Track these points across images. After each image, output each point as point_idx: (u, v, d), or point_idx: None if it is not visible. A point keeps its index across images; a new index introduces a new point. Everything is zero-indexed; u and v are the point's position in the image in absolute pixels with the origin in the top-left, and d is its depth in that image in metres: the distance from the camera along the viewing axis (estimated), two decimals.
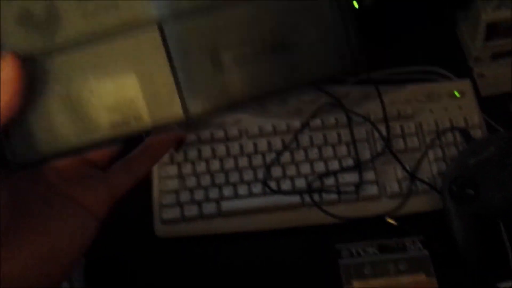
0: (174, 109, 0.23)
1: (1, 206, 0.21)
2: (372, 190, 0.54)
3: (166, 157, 0.58)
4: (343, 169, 0.54)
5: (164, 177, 0.57)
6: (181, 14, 0.23)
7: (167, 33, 0.23)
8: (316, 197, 0.53)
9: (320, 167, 0.55)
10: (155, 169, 0.57)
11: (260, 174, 0.55)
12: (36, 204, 0.23)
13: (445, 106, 0.57)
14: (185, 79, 0.23)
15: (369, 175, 0.54)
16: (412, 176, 0.53)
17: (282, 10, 0.23)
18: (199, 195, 0.55)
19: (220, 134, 0.58)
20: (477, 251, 0.48)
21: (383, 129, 0.56)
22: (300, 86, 0.24)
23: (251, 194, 0.54)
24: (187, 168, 0.57)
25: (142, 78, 0.23)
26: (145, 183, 0.57)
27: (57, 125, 0.23)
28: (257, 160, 0.56)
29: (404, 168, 0.53)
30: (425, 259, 0.48)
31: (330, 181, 0.54)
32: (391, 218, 0.51)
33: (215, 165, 0.56)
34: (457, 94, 0.58)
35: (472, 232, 0.48)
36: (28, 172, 0.24)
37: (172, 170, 0.57)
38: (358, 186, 0.53)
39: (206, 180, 0.56)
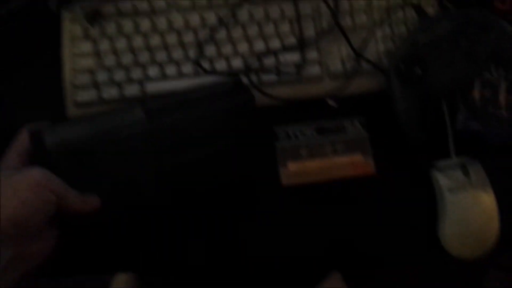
0: None
1: None
2: (315, 70, 0.49)
3: (79, 31, 0.49)
4: (285, 48, 0.49)
5: (77, 55, 0.48)
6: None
7: None
8: (254, 77, 0.48)
9: (259, 45, 0.49)
10: (66, 44, 0.49)
11: (192, 53, 0.48)
12: None
13: None
14: None
15: (312, 55, 0.49)
16: (358, 55, 0.48)
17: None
18: (119, 75, 0.48)
19: (144, 6, 0.49)
20: (419, 130, 0.45)
21: (330, 4, 0.49)
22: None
23: (180, 75, 0.48)
24: (105, 45, 0.48)
25: None
26: (55, 60, 0.48)
27: None
28: (188, 37, 0.49)
29: (350, 45, 0.48)
30: (363, 140, 0.45)
31: (270, 60, 0.48)
32: (332, 99, 0.47)
33: (138, 41, 0.48)
34: None
35: (414, 111, 0.45)
36: None
37: (87, 46, 0.48)
38: (300, 66, 0.48)
39: (127, 59, 0.48)
